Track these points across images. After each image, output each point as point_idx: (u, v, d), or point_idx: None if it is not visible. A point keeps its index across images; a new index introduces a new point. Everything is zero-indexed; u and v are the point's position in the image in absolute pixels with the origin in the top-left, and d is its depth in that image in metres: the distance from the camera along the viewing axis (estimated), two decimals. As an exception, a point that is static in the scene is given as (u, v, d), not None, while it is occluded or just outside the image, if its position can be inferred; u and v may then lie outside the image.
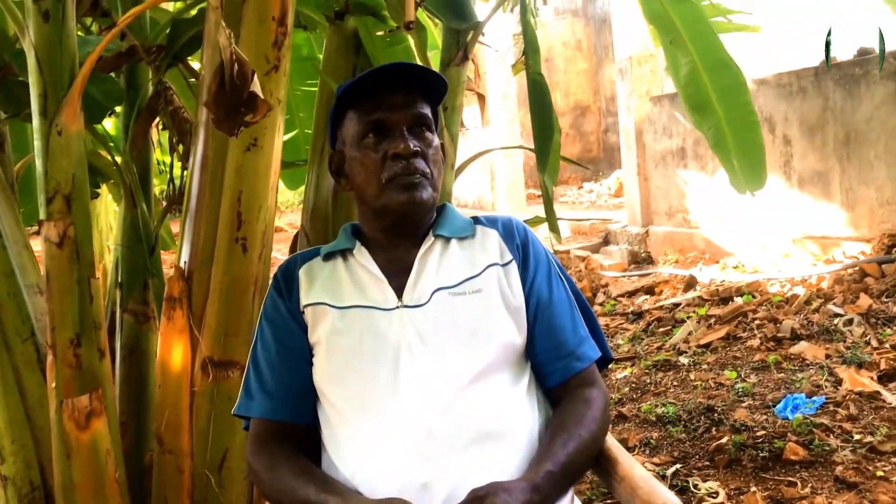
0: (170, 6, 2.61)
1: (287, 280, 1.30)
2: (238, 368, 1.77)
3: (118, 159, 2.25)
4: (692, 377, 3.45)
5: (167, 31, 2.21)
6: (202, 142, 1.78)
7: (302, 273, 1.30)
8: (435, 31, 2.69)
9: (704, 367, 3.58)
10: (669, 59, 2.55)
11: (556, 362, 1.23)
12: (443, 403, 1.13)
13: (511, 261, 1.27)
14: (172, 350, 1.79)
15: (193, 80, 2.38)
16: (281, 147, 1.84)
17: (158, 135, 2.57)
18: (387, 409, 1.14)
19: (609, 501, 2.38)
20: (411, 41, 2.28)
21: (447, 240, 1.28)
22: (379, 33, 2.24)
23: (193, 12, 2.32)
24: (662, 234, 6.82)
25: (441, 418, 1.12)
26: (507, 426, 1.16)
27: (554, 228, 2.04)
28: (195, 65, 2.35)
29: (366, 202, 1.28)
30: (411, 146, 1.21)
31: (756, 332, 3.89)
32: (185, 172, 2.37)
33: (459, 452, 1.11)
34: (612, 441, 1.24)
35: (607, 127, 16.41)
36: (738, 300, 4.51)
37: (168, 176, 2.48)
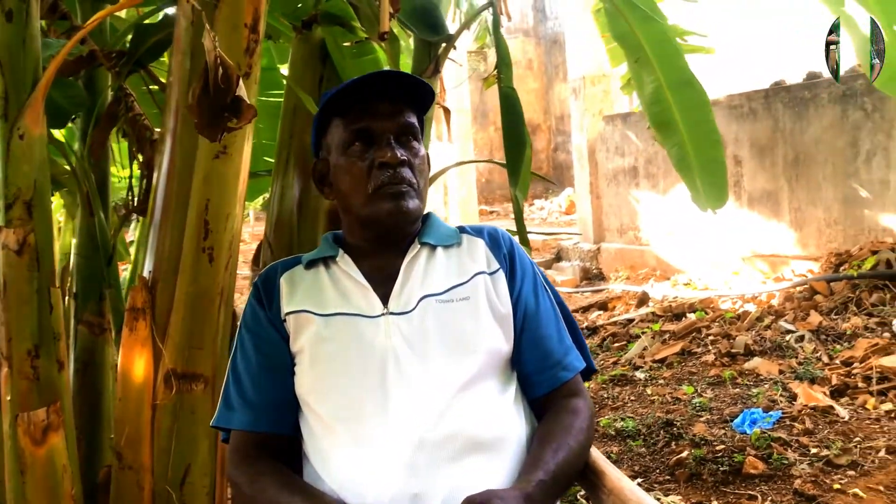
0: (125, 11, 2.55)
1: (267, 288, 1.27)
2: (202, 381, 1.72)
3: (75, 166, 2.19)
4: (649, 392, 3.48)
5: (129, 36, 2.17)
6: (169, 149, 1.74)
7: (283, 281, 1.27)
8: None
9: (661, 381, 3.62)
10: (634, 77, 2.59)
11: (543, 373, 1.23)
12: (433, 412, 1.11)
13: (498, 269, 1.26)
14: (134, 362, 1.73)
15: (155, 86, 2.34)
16: (250, 155, 1.80)
17: (119, 145, 2.51)
18: (375, 418, 1.12)
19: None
20: (380, 52, 2.27)
21: (433, 248, 1.27)
22: (346, 44, 2.22)
23: (155, 18, 2.28)
24: (614, 251, 6.91)
25: (432, 427, 1.10)
26: (498, 435, 1.15)
27: (524, 241, 2.04)
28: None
29: (351, 211, 1.26)
30: (398, 155, 1.20)
31: (710, 347, 3.95)
32: (144, 181, 2.32)
33: (451, 462, 1.09)
34: (597, 453, 1.23)
35: (557, 146, 16.62)
36: (691, 316, 4.58)
37: (127, 185, 2.42)
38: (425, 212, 1.33)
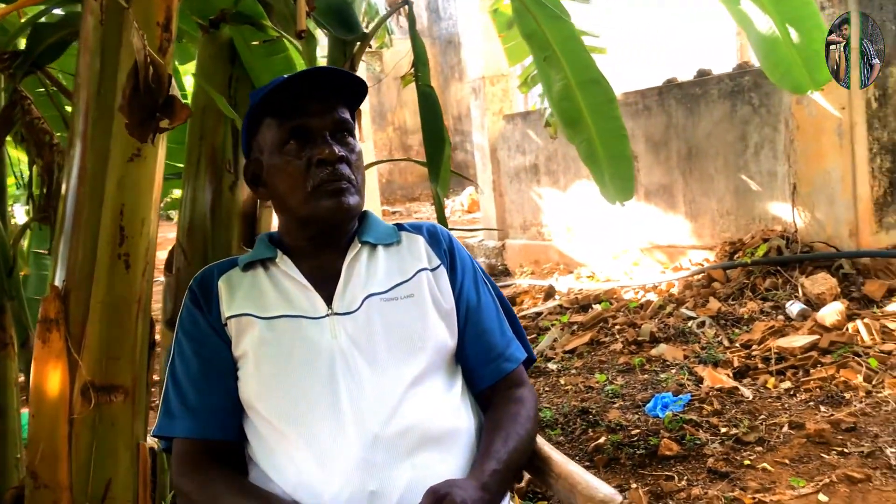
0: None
1: (205, 292, 1.24)
2: (122, 392, 1.67)
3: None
4: (563, 382, 3.56)
5: (21, 36, 2.07)
6: (79, 153, 1.67)
7: (221, 284, 1.24)
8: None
9: (573, 371, 3.71)
10: (543, 76, 2.64)
11: (487, 365, 1.25)
12: (386, 409, 1.12)
13: (440, 265, 1.27)
14: (48, 376, 1.66)
15: (54, 88, 2.24)
16: (164, 158, 1.75)
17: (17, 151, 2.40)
18: (327, 419, 1.12)
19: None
20: (292, 51, 2.25)
21: (373, 246, 1.27)
22: (254, 43, 2.19)
23: (50, 17, 2.18)
24: (518, 247, 7.02)
25: (386, 424, 1.11)
26: (449, 428, 1.16)
27: (447, 238, 2.06)
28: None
29: (289, 210, 1.24)
30: (337, 151, 1.19)
31: (617, 336, 4.08)
32: (45, 188, 2.22)
33: (405, 458, 1.10)
34: (541, 440, 1.26)
35: (455, 145, 16.77)
36: (597, 307, 4.72)
37: (27, 191, 2.31)
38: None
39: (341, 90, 1.25)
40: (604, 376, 3.49)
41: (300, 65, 2.27)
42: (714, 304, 4.20)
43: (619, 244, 5.83)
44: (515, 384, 1.26)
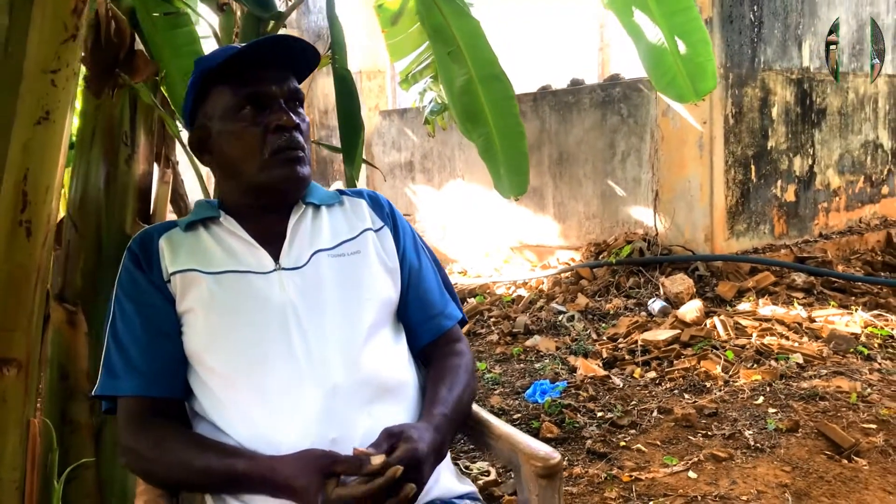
0: None
1: (145, 251, 1.23)
2: (15, 366, 1.60)
3: None
4: (443, 372, 3.65)
5: None
6: (-18, 113, 1.59)
7: (163, 242, 1.24)
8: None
9: (452, 361, 3.81)
10: (444, 70, 2.71)
11: (427, 322, 1.31)
12: (347, 360, 1.15)
13: (383, 227, 1.33)
14: (-64, 349, 1.56)
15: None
16: (72, 123, 1.69)
17: None
18: (281, 369, 1.14)
19: None
20: (192, 25, 2.21)
21: (317, 207, 1.31)
22: (155, 14, 2.13)
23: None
24: (390, 243, 7.08)
25: (346, 374, 1.14)
26: (400, 380, 1.22)
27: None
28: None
29: (241, 177, 1.24)
30: (293, 118, 1.21)
31: (493, 328, 4.23)
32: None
33: (363, 407, 1.14)
34: (476, 407, 1.33)
35: (320, 139, 16.58)
36: (472, 301, 4.85)
37: None
38: None
39: (293, 61, 1.27)
40: (483, 364, 3.61)
41: (205, 40, 2.23)
42: (582, 300, 4.43)
43: (490, 242, 6.02)
44: (453, 340, 1.33)
